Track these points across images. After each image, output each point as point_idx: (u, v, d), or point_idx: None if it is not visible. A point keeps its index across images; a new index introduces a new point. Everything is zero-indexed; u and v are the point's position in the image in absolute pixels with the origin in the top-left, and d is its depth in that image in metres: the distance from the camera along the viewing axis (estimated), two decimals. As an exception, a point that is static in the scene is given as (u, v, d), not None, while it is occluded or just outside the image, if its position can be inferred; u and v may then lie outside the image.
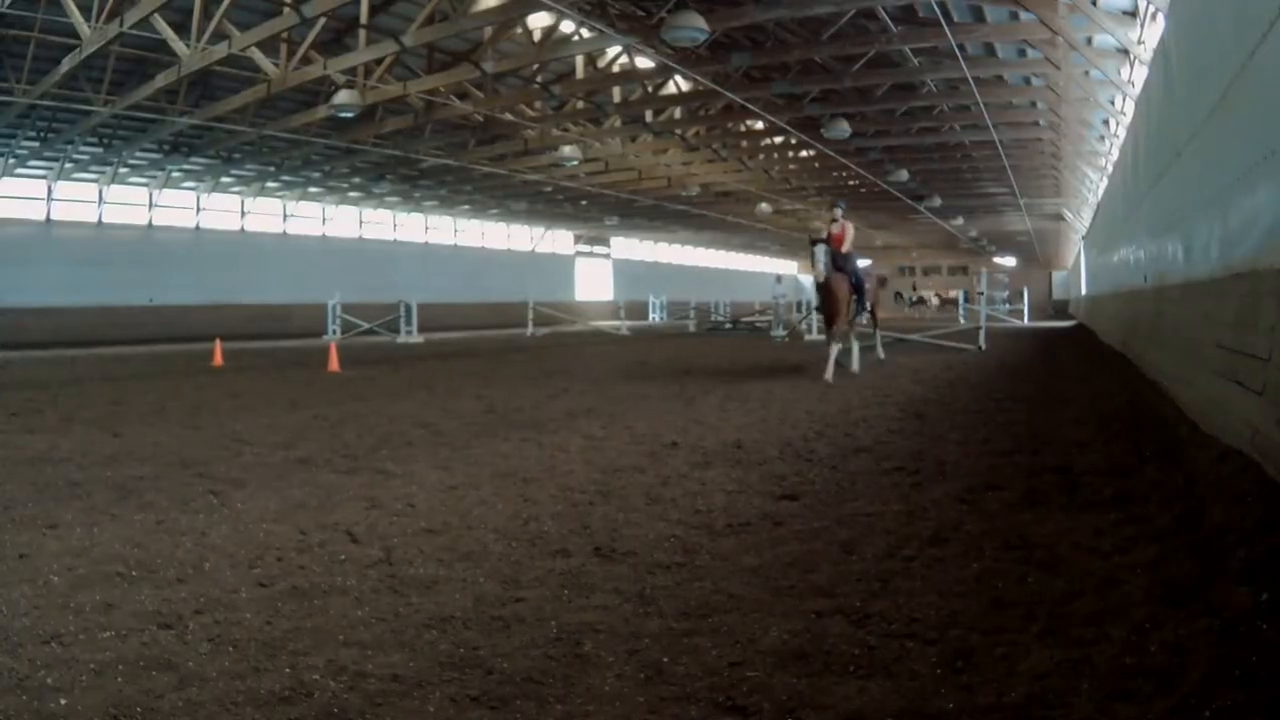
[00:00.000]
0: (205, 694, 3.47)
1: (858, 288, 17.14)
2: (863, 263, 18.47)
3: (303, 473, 7.97)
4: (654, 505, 6.51)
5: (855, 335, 17.91)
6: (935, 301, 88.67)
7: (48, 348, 29.83)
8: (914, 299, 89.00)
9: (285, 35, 23.38)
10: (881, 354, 20.39)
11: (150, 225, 43.14)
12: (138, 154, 37.55)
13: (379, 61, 25.81)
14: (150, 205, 43.08)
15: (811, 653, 3.71)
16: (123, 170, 39.92)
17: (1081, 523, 5.63)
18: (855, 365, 17.45)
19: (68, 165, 38.08)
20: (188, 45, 22.58)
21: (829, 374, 15.91)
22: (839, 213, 17.55)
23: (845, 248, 17.13)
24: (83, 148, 36.26)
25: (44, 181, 39.19)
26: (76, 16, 21.19)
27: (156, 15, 20.66)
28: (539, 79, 29.62)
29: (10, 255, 37.07)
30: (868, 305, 18.35)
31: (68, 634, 4.09)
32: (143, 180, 41.80)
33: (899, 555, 5.08)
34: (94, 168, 39.00)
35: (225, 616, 4.31)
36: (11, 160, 36.29)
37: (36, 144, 34.47)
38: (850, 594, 4.43)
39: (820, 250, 16.24)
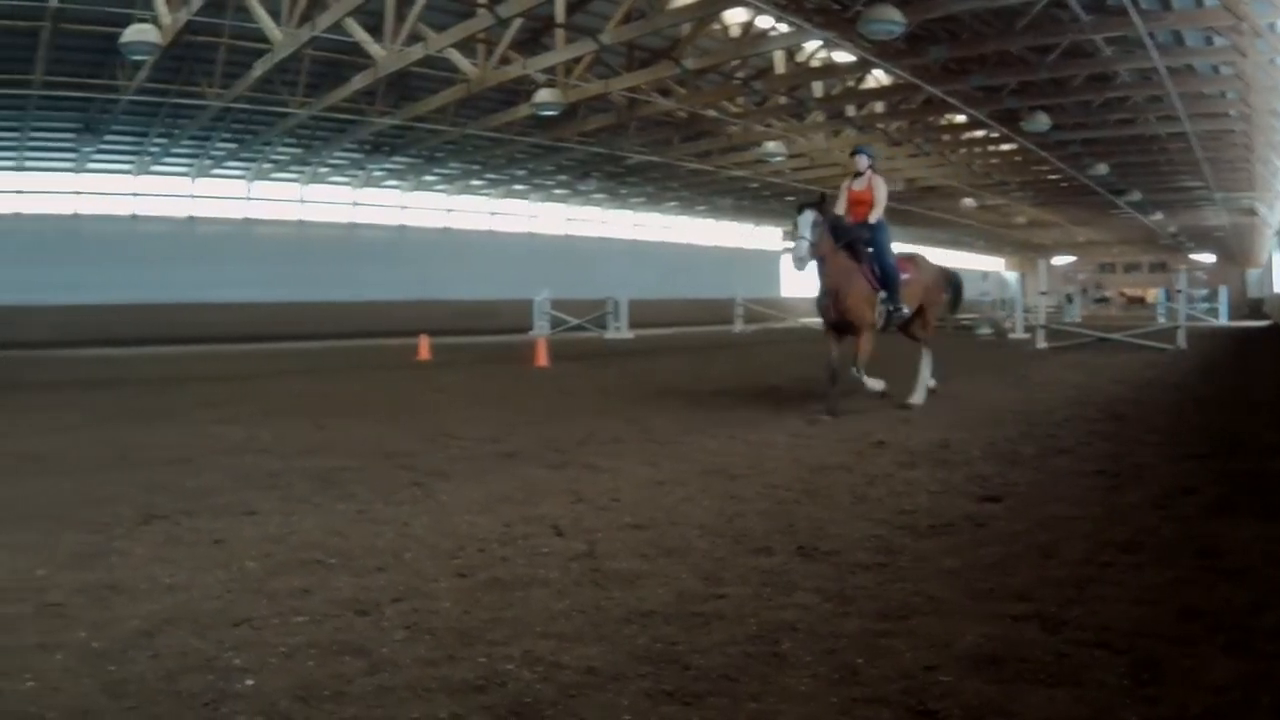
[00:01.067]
0: (396, 680, 3.54)
1: (885, 279, 11.69)
2: (902, 248, 12.70)
3: (509, 466, 8.09)
4: (859, 504, 6.48)
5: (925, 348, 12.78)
6: (1120, 300, 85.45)
7: (248, 342, 31.02)
8: (1097, 297, 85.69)
9: (482, 36, 23.77)
10: (931, 383, 12.78)
11: (352, 224, 44.52)
12: (337, 154, 38.81)
13: (578, 60, 26.05)
14: (352, 204, 44.43)
15: (1005, 658, 3.70)
16: (322, 170, 41.35)
17: (1273, 531, 5.53)
18: (917, 395, 12.34)
19: (266, 166, 39.66)
20: (382, 47, 23.19)
21: (828, 410, 11.20)
22: (864, 161, 12.23)
23: (873, 216, 11.86)
24: (281, 148, 37.67)
25: (242, 182, 40.84)
26: (266, 22, 21.93)
27: (349, 19, 21.26)
28: (739, 75, 29.52)
29: (210, 253, 38.75)
30: (902, 308, 11.93)
31: (259, 618, 4.23)
32: (344, 179, 43.17)
33: (1095, 561, 5.04)
34: (293, 168, 40.47)
35: (423, 605, 4.39)
36: (208, 161, 37.97)
37: (234, 145, 35.97)
38: (1046, 599, 4.39)
39: (805, 221, 11.15)
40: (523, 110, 28.84)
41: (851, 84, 30.27)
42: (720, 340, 32.49)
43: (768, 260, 65.70)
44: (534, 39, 26.18)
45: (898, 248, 12.37)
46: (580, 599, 4.44)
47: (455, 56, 24.25)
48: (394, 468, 8.01)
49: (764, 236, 67.12)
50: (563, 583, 4.70)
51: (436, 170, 42.98)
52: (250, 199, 41.53)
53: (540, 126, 32.42)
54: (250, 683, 3.53)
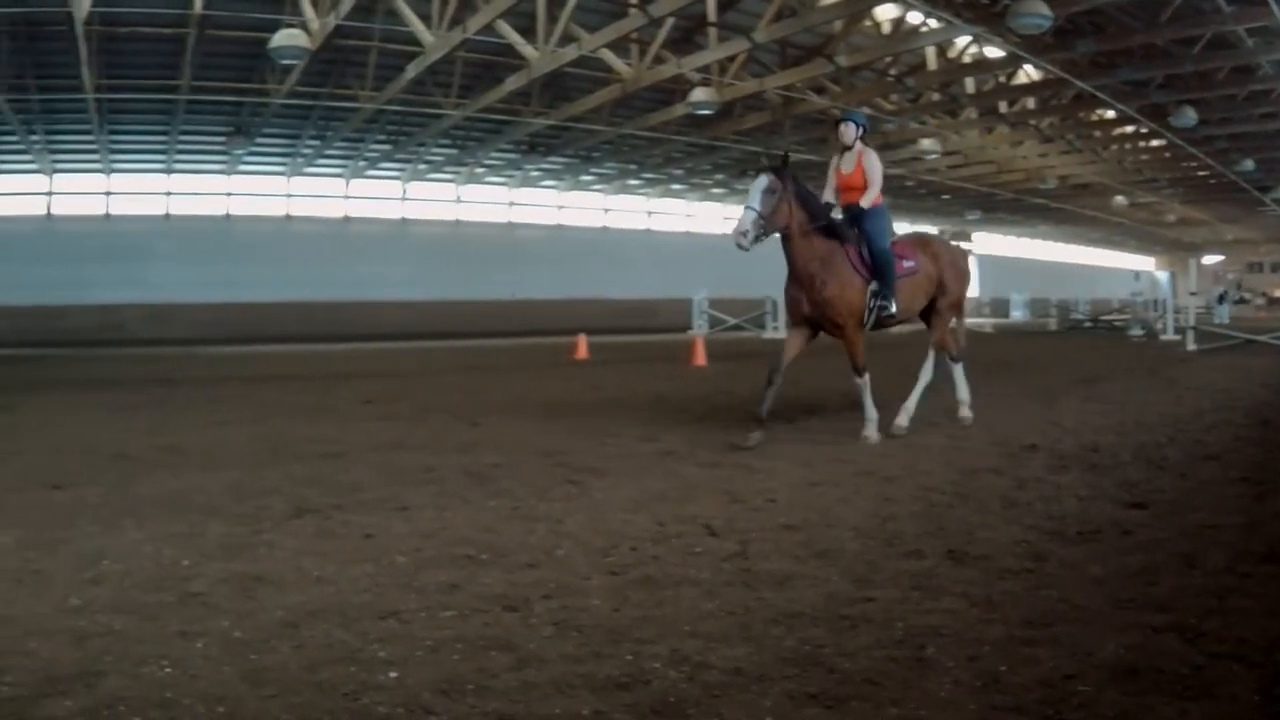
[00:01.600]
0: (542, 675, 3.52)
1: (877, 269, 9.51)
2: (904, 227, 11.53)
3: (665, 464, 8.05)
4: (1009, 509, 6.34)
5: (941, 354, 10.75)
6: (1261, 300, 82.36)
7: (404, 340, 31.60)
8: (1238, 298, 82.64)
9: (635, 36, 23.90)
10: (965, 413, 10.67)
11: (510, 223, 45.13)
12: (493, 154, 39.43)
13: (732, 59, 26.11)
14: (509, 204, 45.00)
15: (1143, 669, 3.63)
16: (479, 170, 42.08)
17: None
18: (904, 420, 10.06)
19: (421, 166, 40.59)
20: (535, 48, 23.44)
21: (752, 439, 8.93)
22: (851, 132, 9.86)
23: (866, 200, 9.65)
24: (436, 149, 38.49)
25: (397, 182, 41.65)
26: (417, 25, 22.42)
27: (500, 20, 21.57)
28: (892, 71, 29.35)
29: (366, 253, 39.62)
30: (891, 305, 9.54)
31: (407, 612, 4.26)
32: (500, 180, 43.85)
33: (1236, 571, 4.88)
34: (448, 169, 41.20)
35: (572, 602, 4.37)
36: (362, 163, 38.92)
37: (388, 147, 36.73)
38: (1187, 610, 4.27)
39: (758, 187, 9.05)
40: (678, 109, 29.07)
41: (1002, 79, 30.05)
42: (877, 339, 31.98)
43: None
44: (687, 38, 26.31)
45: (903, 230, 11.42)
46: (730, 599, 4.40)
47: (609, 56, 24.46)
48: (549, 465, 8.02)
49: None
50: (713, 583, 4.66)
51: (593, 170, 43.40)
52: (406, 199, 42.37)
53: (696, 125, 32.56)
54: (393, 675, 3.56)
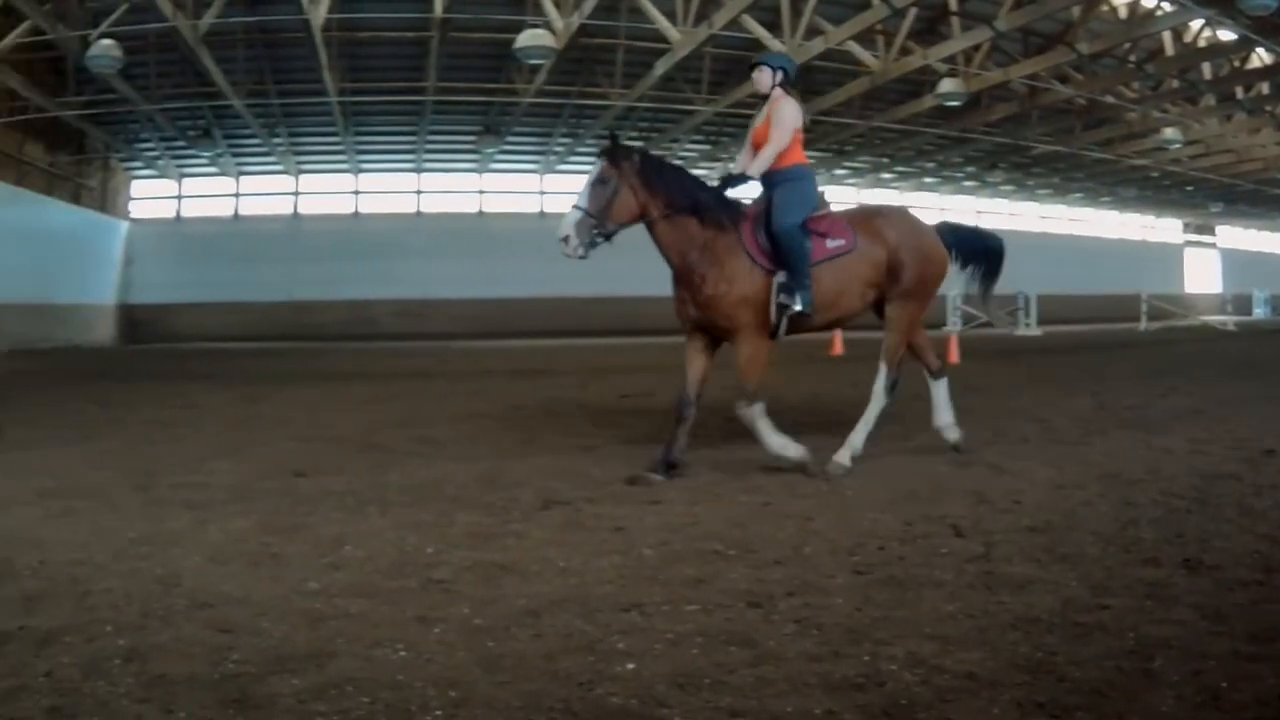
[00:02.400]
0: (778, 672, 3.50)
1: (782, 253, 7.60)
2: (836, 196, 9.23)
3: (916, 463, 7.96)
4: (1244, 516, 6.02)
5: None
6: None
7: (656, 334, 31.84)
8: None
9: (879, 27, 23.67)
10: (952, 434, 8.57)
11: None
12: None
13: (976, 48, 25.62)
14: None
15: None
16: (732, 166, 41.85)
17: None
18: (844, 458, 7.79)
19: (677, 162, 40.53)
20: (782, 42, 23.34)
21: (655, 472, 7.44)
22: (765, 78, 8.20)
23: (754, 165, 7.95)
24: (688, 145, 38.84)
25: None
26: (662, 22, 22.65)
27: (745, 15, 21.66)
28: (1132, 58, 28.35)
29: (620, 248, 40.09)
30: (796, 302, 7.53)
31: (650, 605, 4.30)
32: (755, 175, 43.84)
33: None
34: (702, 164, 41.35)
35: (815, 600, 4.34)
36: (614, 160, 39.38)
37: (640, 143, 37.02)
38: None
39: (587, 182, 7.70)
40: (927, 101, 28.67)
41: (1237, 64, 28.62)
42: (1124, 338, 31.32)
43: (1169, 254, 62.70)
44: (931, 28, 26.02)
45: (837, 201, 8.94)
46: (970, 602, 4.32)
47: (855, 49, 24.25)
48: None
49: (1166, 229, 64.17)
50: (955, 585, 4.59)
51: (847, 164, 43.04)
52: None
53: (945, 117, 32.16)
54: (630, 666, 3.61)
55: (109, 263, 36.22)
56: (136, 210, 40.19)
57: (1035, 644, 3.81)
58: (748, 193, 8.10)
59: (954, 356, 19.74)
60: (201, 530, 5.84)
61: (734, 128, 35.22)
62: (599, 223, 7.55)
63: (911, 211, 8.65)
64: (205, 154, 36.53)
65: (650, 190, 7.63)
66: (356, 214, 39.65)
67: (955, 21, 24.10)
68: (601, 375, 16.99)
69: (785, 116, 7.94)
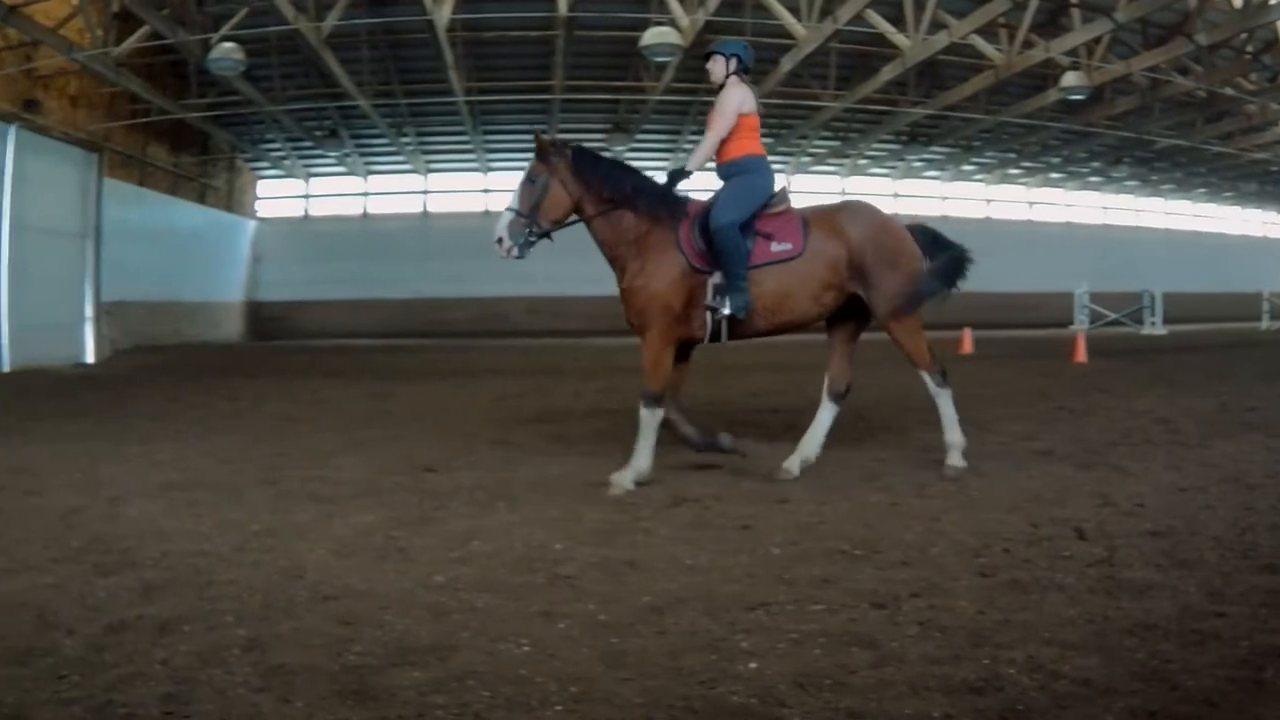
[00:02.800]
0: (899, 674, 3.51)
1: (717, 253, 7.24)
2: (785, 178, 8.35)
3: (1042, 464, 7.85)
4: None
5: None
6: None
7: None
8: None
9: (1002, 20, 23.28)
10: (958, 462, 7.44)
11: (894, 215, 44.56)
12: (875, 145, 39.12)
13: (1097, 40, 25.09)
14: (893, 195, 44.62)
15: None
16: (861, 162, 41.76)
17: None
18: (955, 459, 7.40)
19: (804, 159, 40.79)
20: (906, 37, 23.20)
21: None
22: (720, 68, 7.93)
23: (693, 158, 7.74)
24: (818, 142, 38.53)
25: (782, 176, 41.94)
26: (786, 18, 22.52)
27: (869, 10, 21.50)
28: (1249, 49, 27.36)
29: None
30: (726, 306, 7.16)
31: (775, 604, 4.33)
32: (883, 171, 43.48)
33: None
34: (832, 160, 41.15)
35: (940, 602, 4.34)
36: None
37: (771, 140, 36.92)
38: None
39: (519, 182, 7.75)
40: (1051, 95, 28.11)
41: None
42: (1245, 337, 30.38)
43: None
44: (1052, 20, 25.58)
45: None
46: (1090, 607, 4.28)
47: (979, 43, 23.92)
48: (930, 461, 7.89)
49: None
50: (1077, 589, 4.54)
51: (974, 159, 42.42)
52: (792, 192, 42.60)
53: (1069, 112, 31.46)
54: (753, 665, 3.62)
55: (236, 261, 37.04)
56: (263, 209, 41.09)
57: (1151, 651, 3.79)
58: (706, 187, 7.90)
59: (1081, 356, 19.51)
60: (327, 524, 5.98)
61: (862, 123, 35.09)
62: (531, 222, 7.46)
63: (878, 206, 8.20)
64: (332, 154, 37.21)
65: (583, 185, 7.51)
66: (486, 212, 40.03)
67: (1075, 13, 23.75)
68: (730, 372, 16.85)
69: (727, 104, 7.63)
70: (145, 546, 5.50)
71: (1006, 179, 46.23)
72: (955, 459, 7.37)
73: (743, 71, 7.86)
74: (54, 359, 20.89)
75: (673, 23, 21.26)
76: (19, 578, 4.95)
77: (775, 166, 39.80)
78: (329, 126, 33.93)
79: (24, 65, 21.41)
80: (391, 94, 29.74)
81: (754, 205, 7.36)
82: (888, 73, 25.86)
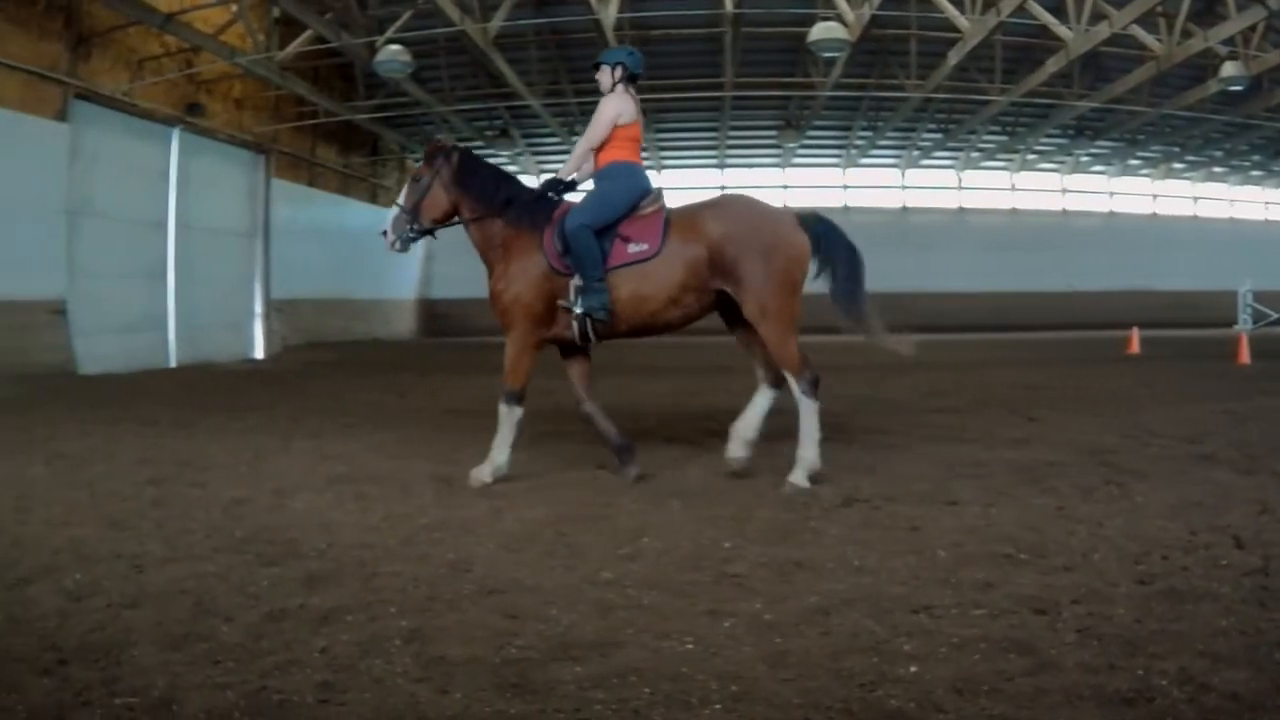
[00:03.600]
0: (1054, 683, 3.51)
1: (573, 260, 7.42)
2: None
3: (1203, 469, 7.69)
4: None
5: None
6: None
7: (960, 331, 31.48)
8: None
9: (1160, 9, 22.68)
10: (801, 479, 7.06)
11: (1063, 211, 43.78)
12: (1043, 140, 38.43)
13: (1253, 28, 24.25)
14: (1061, 190, 43.76)
15: None
16: (1030, 157, 41.07)
17: None
18: (799, 477, 7.05)
19: (974, 154, 40.17)
20: (1069, 28, 22.81)
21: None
22: (605, 78, 7.93)
23: (568, 165, 8.00)
24: (986, 137, 38.00)
25: (952, 171, 41.41)
26: (950, 10, 22.35)
27: (1032, 2, 21.25)
28: None
29: (921, 243, 39.47)
30: (577, 306, 7.40)
31: (939, 607, 4.36)
32: (1052, 166, 42.63)
33: None
34: (1001, 156, 40.48)
35: (1099, 610, 4.31)
36: (915, 152, 38.81)
37: (939, 135, 36.56)
38: None
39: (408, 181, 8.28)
40: (1211, 86, 27.27)
41: None
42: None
43: None
44: (1209, 9, 24.84)
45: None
46: (1244, 618, 4.20)
47: (1139, 33, 23.35)
48: (1096, 464, 7.86)
49: None
50: (1232, 599, 4.46)
51: (1140, 154, 41.41)
52: (961, 188, 42.08)
53: (1230, 103, 30.56)
54: (913, 669, 3.65)
55: (409, 259, 37.49)
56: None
57: (1301, 666, 3.72)
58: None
59: (1244, 357, 19.03)
60: (497, 519, 6.15)
61: (1029, 117, 34.59)
62: (413, 219, 7.87)
63: (756, 199, 7.91)
64: (504, 153, 37.60)
65: (461, 190, 7.82)
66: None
67: (1231, 1, 22.97)
68: (902, 372, 16.64)
69: (602, 114, 7.74)
70: (310, 538, 5.73)
71: (1171, 174, 44.95)
72: (799, 477, 7.06)
73: (629, 80, 7.94)
74: (224, 355, 21.73)
75: (839, 17, 21.18)
76: (180, 565, 5.19)
77: (944, 161, 39.57)
78: (499, 126, 34.50)
79: (185, 70, 22.19)
80: (561, 93, 30.18)
81: (612, 209, 7.51)
82: (1052, 65, 25.45)
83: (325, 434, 10.00)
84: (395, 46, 21.20)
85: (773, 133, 35.58)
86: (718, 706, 3.37)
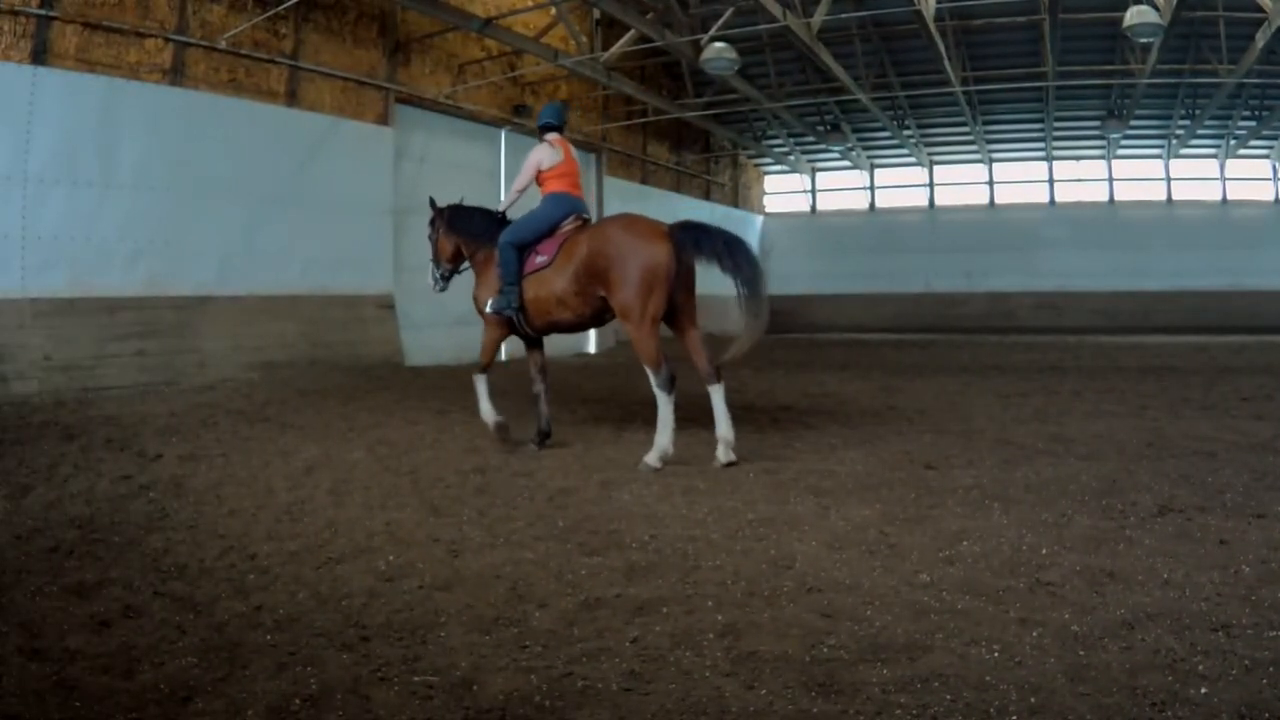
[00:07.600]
0: None
1: (499, 267, 9.42)
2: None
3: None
4: None
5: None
6: None
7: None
8: None
9: None
10: (729, 439, 8.40)
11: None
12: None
13: None
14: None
15: None
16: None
17: None
18: (654, 460, 8.27)
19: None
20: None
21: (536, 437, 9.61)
22: (540, 134, 9.89)
23: (504, 201, 10.19)
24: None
25: (1266, 161, 38.74)
26: (1253, -12, 20.90)
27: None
28: None
29: (1240, 238, 37.18)
30: (491, 302, 9.47)
31: (1237, 626, 4.24)
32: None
33: None
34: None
35: None
36: (1232, 141, 36.52)
37: (1253, 123, 34.30)
38: None
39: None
40: None
41: None
42: None
43: None
44: None
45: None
46: None
47: None
48: None
49: None
50: None
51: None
52: (1278, 179, 39.49)
53: None
54: (1203, 690, 3.58)
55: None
56: (770, 204, 42.63)
57: None
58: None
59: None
60: (823, 517, 6.33)
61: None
62: (437, 264, 10.28)
63: (636, 216, 8.99)
64: (836, 149, 37.65)
65: (454, 235, 10.12)
66: (992, 204, 39.60)
67: None
68: (1225, 374, 16.14)
69: (527, 163, 9.65)
70: (634, 529, 6.04)
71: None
72: (647, 463, 8.26)
73: (553, 129, 9.74)
74: (558, 350, 22.51)
75: (1150, 1, 20.38)
76: (498, 551, 5.57)
77: (1259, 151, 36.90)
78: (830, 121, 34.47)
79: (509, 74, 23.19)
80: (889, 87, 29.94)
81: (530, 230, 9.29)
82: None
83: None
84: (720, 44, 21.40)
85: (1096, 124, 34.23)
86: (1014, 717, 3.42)
